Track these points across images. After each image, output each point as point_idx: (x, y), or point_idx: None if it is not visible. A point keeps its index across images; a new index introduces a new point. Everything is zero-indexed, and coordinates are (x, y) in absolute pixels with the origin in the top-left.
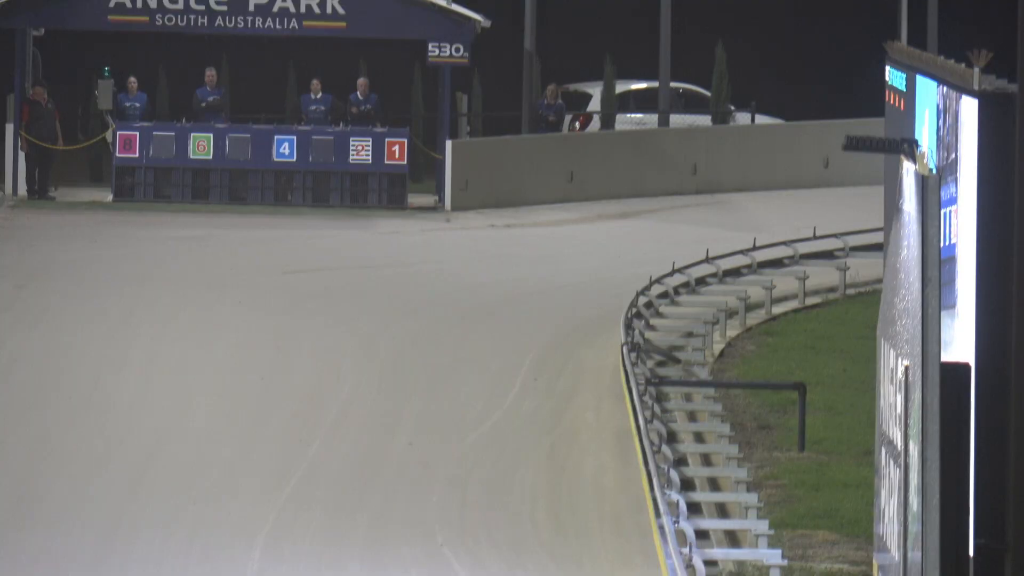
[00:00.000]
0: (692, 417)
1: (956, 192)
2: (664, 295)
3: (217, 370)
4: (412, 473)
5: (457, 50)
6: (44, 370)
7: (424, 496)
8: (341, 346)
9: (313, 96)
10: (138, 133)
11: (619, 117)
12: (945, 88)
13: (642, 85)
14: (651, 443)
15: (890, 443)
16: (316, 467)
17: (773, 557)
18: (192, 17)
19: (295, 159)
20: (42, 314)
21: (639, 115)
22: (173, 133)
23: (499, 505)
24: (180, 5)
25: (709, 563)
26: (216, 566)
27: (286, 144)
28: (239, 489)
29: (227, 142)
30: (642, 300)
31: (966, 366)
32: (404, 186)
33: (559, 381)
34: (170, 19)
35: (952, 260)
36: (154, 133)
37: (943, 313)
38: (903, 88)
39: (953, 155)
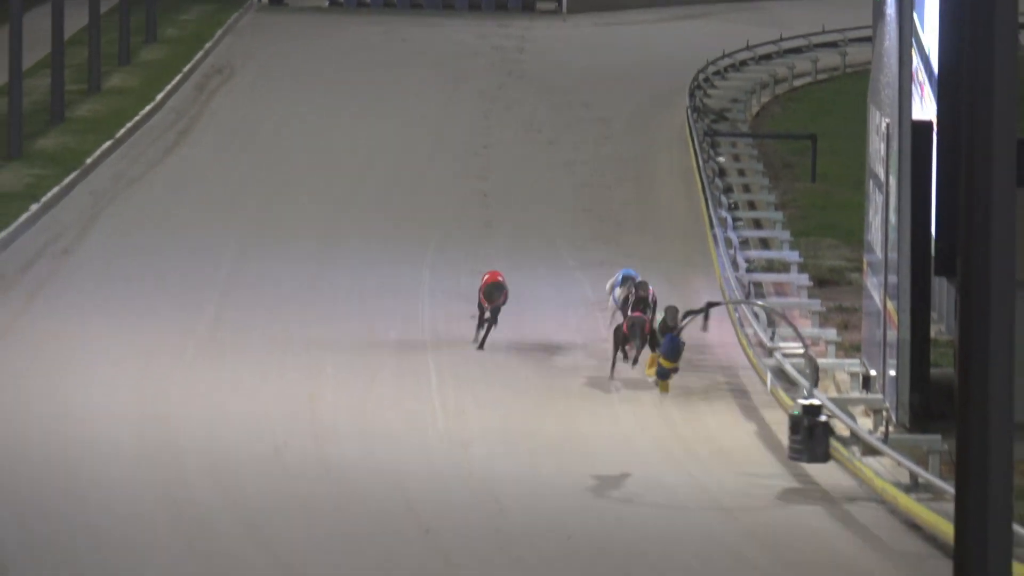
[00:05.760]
0: (736, 158)
1: None
2: (717, 73)
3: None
4: (543, 196)
5: None
6: (279, 135)
7: (546, 211)
8: (488, 109)
9: None
10: None
11: None
12: None
13: None
14: (707, 176)
15: (876, 176)
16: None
17: (793, 256)
18: None
19: None
20: (278, 93)
21: None
22: None
23: (600, 215)
24: None
25: (748, 261)
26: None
27: None
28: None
29: None
30: (701, 76)
31: (930, 123)
32: None
33: (643, 133)
34: None
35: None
36: None
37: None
38: None
39: None
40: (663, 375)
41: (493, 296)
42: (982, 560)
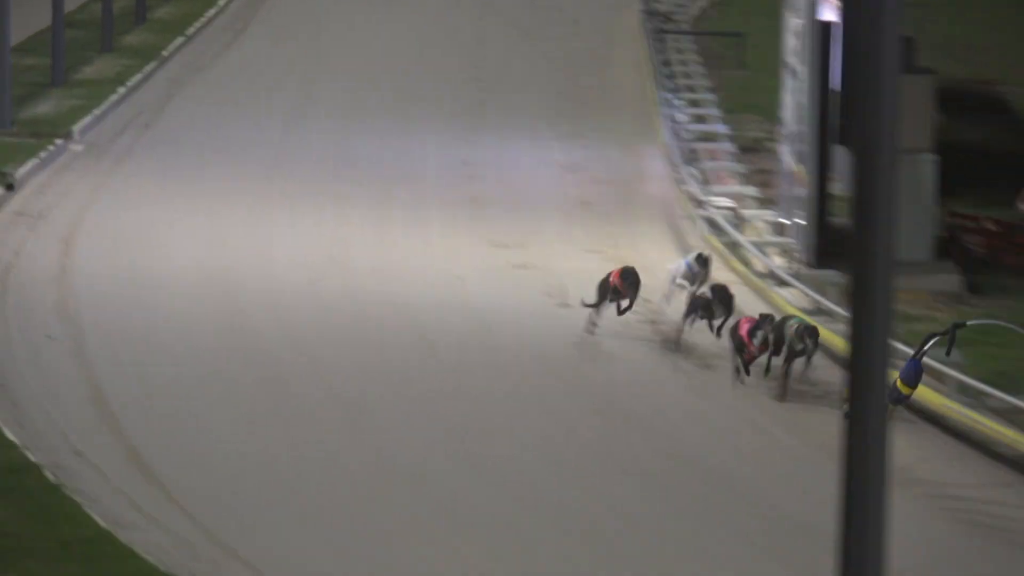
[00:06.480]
0: (679, 51)
1: None
2: None
3: None
4: (525, 82)
5: None
6: (316, 32)
7: (528, 94)
8: (482, 12)
9: None
10: None
11: None
12: None
13: None
14: (656, 65)
15: (789, 66)
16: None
17: (723, 129)
18: None
19: None
20: None
21: None
22: None
23: (570, 96)
24: None
25: (687, 131)
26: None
27: None
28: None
29: None
30: None
31: (831, 23)
32: None
33: (605, 31)
34: None
35: None
36: None
37: None
38: None
39: None
40: (898, 400)
41: (629, 277)
42: (869, 366)
